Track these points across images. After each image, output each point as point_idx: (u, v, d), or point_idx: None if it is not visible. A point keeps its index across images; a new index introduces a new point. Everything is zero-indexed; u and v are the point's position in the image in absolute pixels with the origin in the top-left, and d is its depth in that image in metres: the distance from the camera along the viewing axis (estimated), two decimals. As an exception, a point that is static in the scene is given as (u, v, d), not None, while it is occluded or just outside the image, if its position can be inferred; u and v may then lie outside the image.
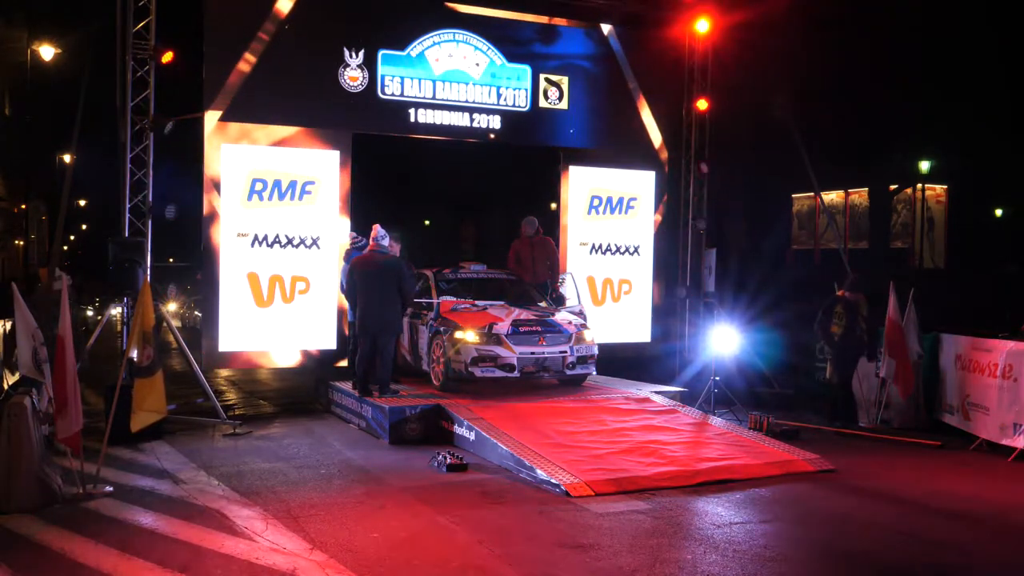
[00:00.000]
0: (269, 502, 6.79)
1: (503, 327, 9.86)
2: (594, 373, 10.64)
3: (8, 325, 10.42)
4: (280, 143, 10.99)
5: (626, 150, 13.15)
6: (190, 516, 6.44)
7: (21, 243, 30.93)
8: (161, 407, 7.87)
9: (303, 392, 12.66)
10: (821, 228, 25.93)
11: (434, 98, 11.80)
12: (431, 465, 7.99)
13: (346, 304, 10.70)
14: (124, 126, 10.38)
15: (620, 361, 12.77)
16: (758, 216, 24.08)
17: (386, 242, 9.89)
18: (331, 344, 11.28)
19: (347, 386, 10.45)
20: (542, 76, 12.47)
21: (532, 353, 9.84)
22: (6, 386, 10.18)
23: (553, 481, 7.19)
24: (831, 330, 10.54)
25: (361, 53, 11.38)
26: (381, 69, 11.51)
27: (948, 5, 20.65)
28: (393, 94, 11.60)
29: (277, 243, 10.98)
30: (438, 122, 11.86)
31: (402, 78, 11.64)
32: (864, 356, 10.68)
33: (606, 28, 12.91)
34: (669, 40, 13.39)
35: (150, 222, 10.57)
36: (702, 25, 13.14)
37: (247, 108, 10.77)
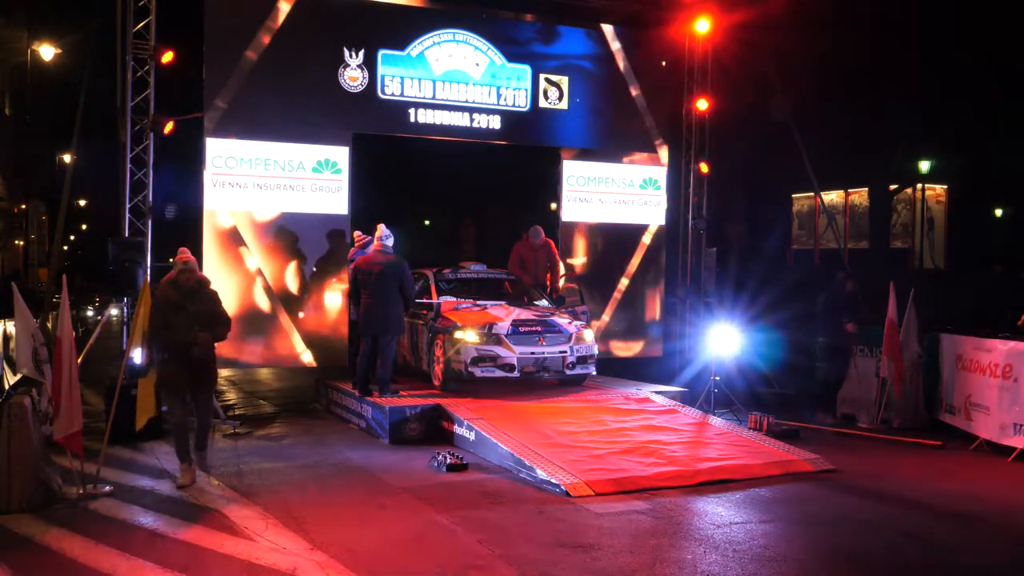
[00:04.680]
0: (269, 502, 6.79)
1: (503, 327, 9.86)
2: (594, 373, 10.63)
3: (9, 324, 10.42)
4: (280, 143, 10.99)
5: (626, 150, 13.15)
6: (190, 516, 6.44)
7: (21, 243, 30.93)
8: (153, 407, 7.82)
9: (303, 392, 12.66)
10: (821, 228, 25.92)
11: (434, 98, 11.81)
12: (431, 465, 7.99)
13: (348, 304, 10.71)
14: (124, 126, 10.38)
15: (620, 361, 12.77)
16: (758, 216, 24.09)
17: (391, 242, 9.87)
18: (331, 344, 11.28)
19: (347, 386, 10.45)
20: (542, 76, 12.46)
21: (532, 353, 9.84)
22: (6, 386, 10.18)
23: (553, 481, 7.19)
24: None
25: (361, 53, 11.38)
26: (381, 69, 11.51)
27: (948, 5, 20.65)
28: (393, 94, 11.61)
29: (278, 243, 10.98)
30: (438, 122, 11.86)
31: (402, 78, 11.64)
32: None
33: (606, 28, 12.91)
34: (669, 40, 13.39)
35: (150, 222, 10.58)
36: (702, 25, 13.14)
37: (247, 108, 10.77)
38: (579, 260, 12.91)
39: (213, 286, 7.85)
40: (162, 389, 7.54)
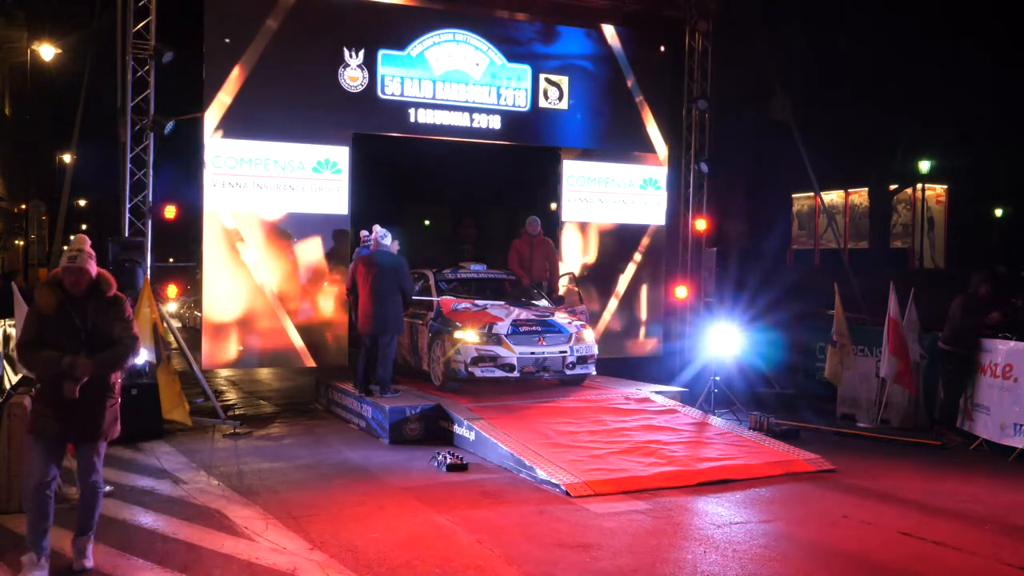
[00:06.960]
0: (269, 502, 6.79)
1: (503, 327, 9.86)
2: (594, 373, 10.63)
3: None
4: (280, 143, 10.99)
5: (626, 150, 13.16)
6: (190, 516, 6.44)
7: (21, 243, 30.90)
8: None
9: (303, 392, 12.66)
10: (821, 228, 25.92)
11: (434, 98, 11.81)
12: (431, 465, 7.99)
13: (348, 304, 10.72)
14: (124, 126, 10.40)
15: (620, 361, 12.77)
16: (758, 216, 24.07)
17: (387, 241, 9.92)
18: (331, 344, 11.28)
19: (347, 386, 10.45)
20: (542, 76, 12.47)
21: (532, 353, 9.83)
22: (7, 386, 10.17)
23: (553, 481, 7.18)
24: None
25: (361, 53, 11.38)
26: (381, 69, 11.51)
27: (949, 5, 20.66)
28: (393, 94, 11.61)
29: (278, 243, 10.98)
30: (438, 122, 11.86)
31: (402, 78, 11.64)
32: None
33: (606, 28, 12.91)
34: (669, 40, 13.39)
35: (150, 222, 10.59)
36: (702, 25, 13.15)
37: (247, 108, 10.78)
38: (579, 260, 12.91)
39: (119, 290, 5.54)
40: (33, 438, 5.31)
